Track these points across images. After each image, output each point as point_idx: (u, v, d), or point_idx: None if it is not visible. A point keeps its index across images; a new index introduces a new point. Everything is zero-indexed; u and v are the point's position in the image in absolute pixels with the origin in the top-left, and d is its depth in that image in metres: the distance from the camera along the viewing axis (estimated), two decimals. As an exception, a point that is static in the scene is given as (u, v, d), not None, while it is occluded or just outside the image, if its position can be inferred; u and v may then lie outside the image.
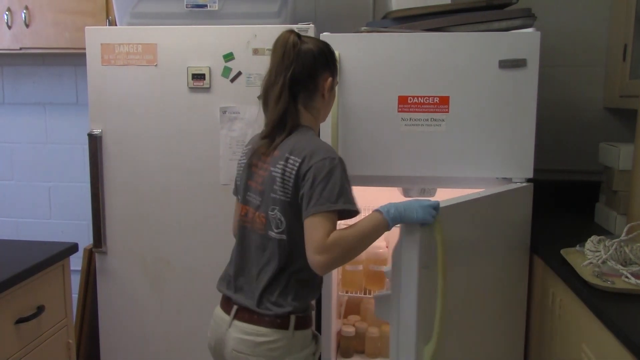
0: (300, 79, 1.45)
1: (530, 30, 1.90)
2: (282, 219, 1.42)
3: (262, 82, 1.50)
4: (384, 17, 2.12)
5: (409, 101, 1.93)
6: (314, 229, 1.34)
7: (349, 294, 2.39)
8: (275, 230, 1.44)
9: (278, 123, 1.46)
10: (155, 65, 2.11)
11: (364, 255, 2.28)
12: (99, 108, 2.16)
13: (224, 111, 2.10)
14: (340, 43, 1.90)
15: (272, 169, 1.44)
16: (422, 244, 1.49)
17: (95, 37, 2.12)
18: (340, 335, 2.41)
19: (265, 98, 1.49)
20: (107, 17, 2.41)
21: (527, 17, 1.97)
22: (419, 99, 1.93)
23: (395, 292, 1.59)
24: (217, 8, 2.11)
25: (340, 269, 2.30)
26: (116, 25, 2.20)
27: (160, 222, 2.17)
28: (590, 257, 1.64)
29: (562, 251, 1.77)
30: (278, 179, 1.42)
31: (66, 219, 2.92)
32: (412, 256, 1.51)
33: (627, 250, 1.60)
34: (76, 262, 2.19)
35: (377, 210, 1.44)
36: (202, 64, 2.08)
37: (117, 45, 2.11)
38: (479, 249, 1.80)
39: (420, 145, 1.94)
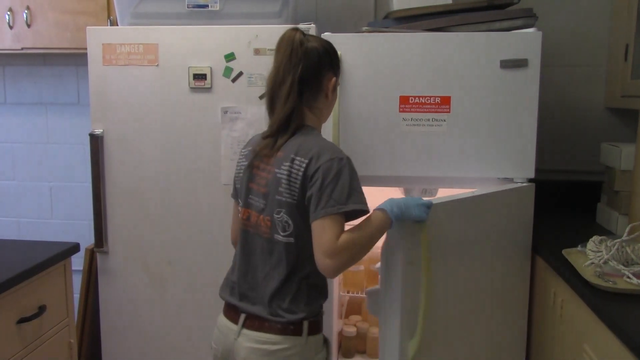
0: (307, 78, 1.42)
1: (531, 30, 1.90)
2: (289, 221, 1.39)
3: (268, 80, 1.46)
4: (385, 17, 2.12)
5: (410, 101, 1.93)
6: (323, 232, 1.31)
7: (350, 294, 2.39)
8: (282, 234, 1.40)
9: (284, 123, 1.42)
10: (157, 65, 2.11)
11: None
12: (100, 108, 2.16)
13: (225, 111, 2.10)
14: (341, 43, 1.89)
15: (276, 170, 1.40)
16: (407, 241, 1.53)
17: (97, 37, 2.12)
18: (341, 335, 2.41)
19: (271, 97, 1.44)
20: (109, 17, 2.41)
21: (529, 17, 1.97)
22: (421, 99, 1.92)
23: (383, 287, 1.63)
24: (218, 8, 2.11)
25: (341, 269, 2.29)
26: (117, 25, 2.21)
27: (162, 222, 2.17)
28: (592, 257, 1.64)
29: (563, 251, 1.76)
30: (284, 181, 1.38)
31: (68, 219, 2.92)
32: (397, 252, 1.54)
33: (628, 251, 1.60)
34: (78, 262, 2.19)
35: (380, 209, 1.43)
36: (204, 64, 2.08)
37: (119, 45, 2.11)
38: (476, 247, 1.81)
39: (421, 146, 1.94)
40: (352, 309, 2.55)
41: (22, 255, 1.79)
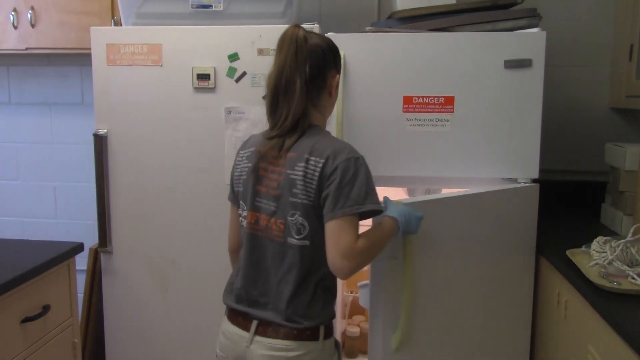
0: (313, 76, 1.38)
1: (535, 30, 1.89)
2: (305, 223, 1.35)
3: (270, 79, 1.39)
4: (389, 17, 2.12)
5: (413, 101, 1.93)
6: (341, 232, 1.29)
7: (354, 294, 2.39)
8: (297, 237, 1.36)
9: (294, 123, 1.37)
10: (161, 66, 2.11)
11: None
12: (104, 108, 2.16)
13: (229, 111, 2.10)
14: (345, 43, 1.89)
15: (288, 171, 1.35)
16: None
17: (101, 37, 2.12)
18: (345, 335, 2.41)
19: (275, 96, 1.38)
20: (113, 17, 2.41)
21: (533, 17, 1.96)
22: (424, 99, 1.92)
23: (371, 281, 1.69)
24: (222, 8, 2.11)
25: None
26: (121, 25, 2.21)
27: (166, 222, 2.18)
28: (596, 257, 1.63)
29: (567, 252, 1.76)
30: (299, 182, 1.34)
31: (72, 218, 2.93)
32: None
33: (633, 251, 1.59)
34: (81, 261, 2.20)
35: (391, 217, 1.45)
36: (207, 64, 2.09)
37: (123, 46, 2.11)
38: (478, 245, 1.83)
39: (425, 146, 1.94)
40: (355, 309, 2.54)
41: (26, 255, 1.80)
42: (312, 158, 1.34)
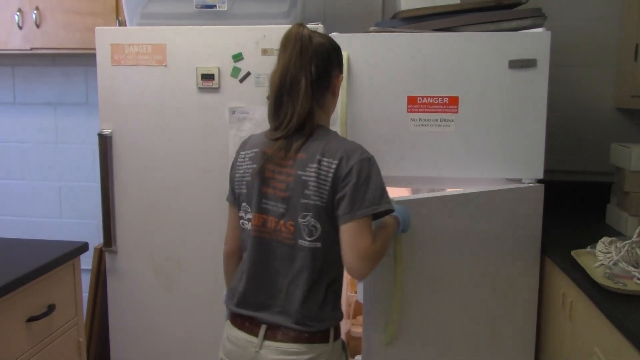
0: (319, 75, 1.36)
1: (540, 30, 1.89)
2: (317, 225, 1.33)
3: (274, 79, 1.36)
4: (393, 17, 2.12)
5: (418, 101, 1.92)
6: (360, 234, 1.29)
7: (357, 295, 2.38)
8: (308, 239, 1.34)
9: (301, 123, 1.34)
10: (165, 66, 2.12)
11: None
12: (108, 108, 2.17)
13: (233, 111, 2.10)
14: (349, 43, 1.89)
15: (299, 172, 1.33)
16: None
17: (105, 37, 2.13)
18: (349, 335, 2.41)
19: (279, 96, 1.35)
20: (117, 17, 2.42)
21: (537, 17, 1.96)
22: (428, 99, 1.92)
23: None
24: (226, 8, 2.11)
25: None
26: (126, 25, 2.22)
27: (170, 222, 2.18)
28: (602, 258, 1.63)
29: (573, 252, 1.75)
30: (311, 183, 1.32)
31: (76, 218, 2.94)
32: None
33: (638, 252, 1.59)
34: (86, 261, 2.20)
35: (394, 216, 1.47)
36: (211, 64, 2.09)
37: (127, 46, 2.12)
38: (481, 244, 1.84)
39: (429, 146, 1.93)
40: (359, 309, 2.54)
41: (32, 255, 1.80)
42: (325, 159, 1.32)
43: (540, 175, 1.92)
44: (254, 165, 1.40)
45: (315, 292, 1.36)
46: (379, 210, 1.31)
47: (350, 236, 1.29)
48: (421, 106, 1.92)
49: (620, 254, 1.58)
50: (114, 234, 2.21)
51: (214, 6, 2.12)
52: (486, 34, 1.90)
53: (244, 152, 1.45)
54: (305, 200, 1.32)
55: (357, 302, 2.53)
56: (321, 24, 2.03)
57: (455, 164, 1.93)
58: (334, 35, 1.91)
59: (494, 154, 1.92)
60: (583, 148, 2.52)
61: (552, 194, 2.00)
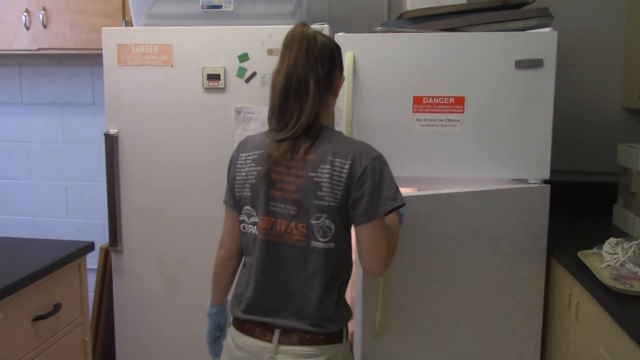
0: (324, 75, 1.34)
1: (547, 30, 1.88)
2: (331, 226, 1.31)
3: (277, 78, 1.33)
4: (399, 17, 2.11)
5: (423, 102, 1.92)
6: (378, 235, 1.30)
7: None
8: (322, 240, 1.31)
9: (308, 124, 1.31)
10: (171, 66, 2.12)
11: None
12: (115, 108, 2.17)
13: (238, 111, 2.10)
14: (354, 43, 1.89)
15: (310, 174, 1.30)
16: None
17: (112, 37, 2.14)
18: (352, 335, 2.40)
19: (285, 96, 1.32)
20: (124, 18, 2.43)
21: (544, 17, 1.95)
22: (434, 99, 1.91)
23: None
24: (232, 9, 2.12)
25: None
26: (132, 26, 2.22)
27: (176, 222, 2.18)
28: (608, 259, 1.62)
29: (579, 253, 1.75)
30: (324, 184, 1.29)
31: (82, 218, 2.95)
32: None
33: (645, 253, 1.58)
34: (92, 260, 2.21)
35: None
36: (217, 65, 2.09)
37: (133, 46, 2.13)
38: (483, 245, 1.84)
39: (435, 146, 1.93)
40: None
41: (38, 254, 1.81)
42: (337, 160, 1.30)
43: (547, 176, 1.91)
44: (259, 168, 1.36)
45: (330, 293, 1.35)
46: (396, 205, 1.31)
47: (369, 237, 1.31)
48: (427, 106, 1.92)
49: (627, 255, 1.57)
50: (120, 233, 2.21)
51: (220, 7, 2.12)
52: (492, 34, 1.89)
53: (244, 154, 1.41)
54: (319, 202, 1.30)
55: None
56: (327, 24, 2.03)
57: (461, 164, 1.93)
58: (340, 35, 1.91)
59: (500, 154, 1.91)
60: (590, 148, 2.51)
61: (558, 194, 1.99)
